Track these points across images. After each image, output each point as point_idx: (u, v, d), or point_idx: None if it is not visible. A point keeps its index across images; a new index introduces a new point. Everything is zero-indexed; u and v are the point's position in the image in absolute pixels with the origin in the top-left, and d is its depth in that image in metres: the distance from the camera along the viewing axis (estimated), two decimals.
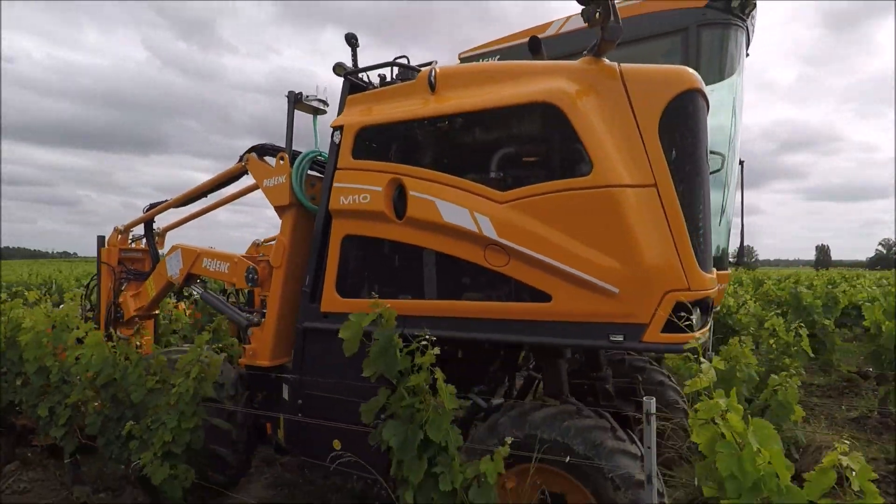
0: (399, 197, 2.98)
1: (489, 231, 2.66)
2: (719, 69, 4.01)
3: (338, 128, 3.27)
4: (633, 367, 4.43)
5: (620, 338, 2.48)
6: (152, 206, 4.90)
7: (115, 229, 5.17)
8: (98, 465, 4.39)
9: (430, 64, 3.64)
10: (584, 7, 2.40)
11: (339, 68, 3.41)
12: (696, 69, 3.71)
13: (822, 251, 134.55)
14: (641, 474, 2.53)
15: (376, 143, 3.13)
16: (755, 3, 3.75)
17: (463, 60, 4.56)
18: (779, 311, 8.19)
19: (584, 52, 2.63)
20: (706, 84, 4.09)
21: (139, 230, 5.21)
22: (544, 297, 2.61)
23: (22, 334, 4.08)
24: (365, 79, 3.62)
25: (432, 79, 2.97)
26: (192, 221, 5.21)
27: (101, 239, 5.17)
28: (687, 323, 2.38)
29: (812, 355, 6.04)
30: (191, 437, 3.27)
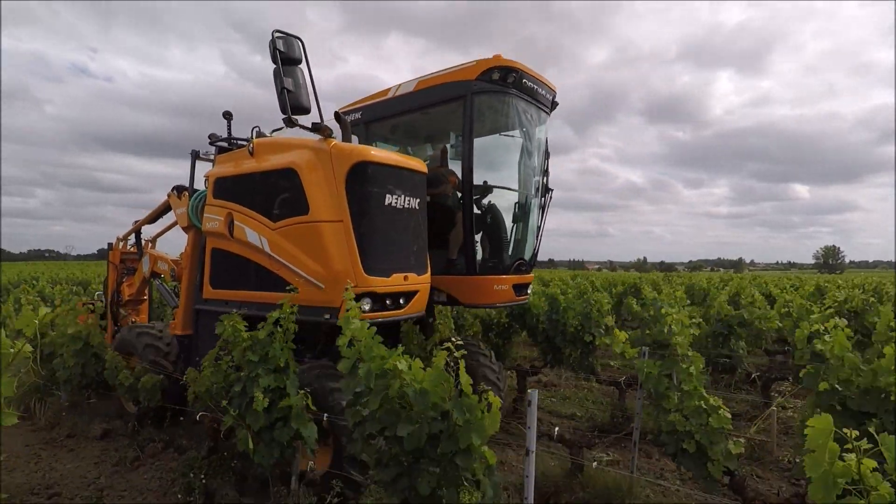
0: (231, 224, 4.61)
1: (267, 248, 4.23)
2: (504, 125, 5.27)
3: (206, 178, 4.97)
4: (457, 346, 5.75)
5: (328, 316, 3.94)
6: (135, 222, 6.89)
7: (117, 238, 7.25)
8: None
9: (280, 129, 5.25)
10: (314, 128, 3.93)
11: (211, 137, 5.10)
12: (473, 127, 5.00)
13: None
14: None
15: (222, 188, 4.78)
16: (516, 75, 4.95)
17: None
18: None
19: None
20: (493, 134, 5.37)
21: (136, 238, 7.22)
22: (296, 290, 4.13)
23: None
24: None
25: (251, 148, 4.58)
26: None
27: (109, 245, 7.26)
28: (364, 308, 3.83)
29: None
30: None
